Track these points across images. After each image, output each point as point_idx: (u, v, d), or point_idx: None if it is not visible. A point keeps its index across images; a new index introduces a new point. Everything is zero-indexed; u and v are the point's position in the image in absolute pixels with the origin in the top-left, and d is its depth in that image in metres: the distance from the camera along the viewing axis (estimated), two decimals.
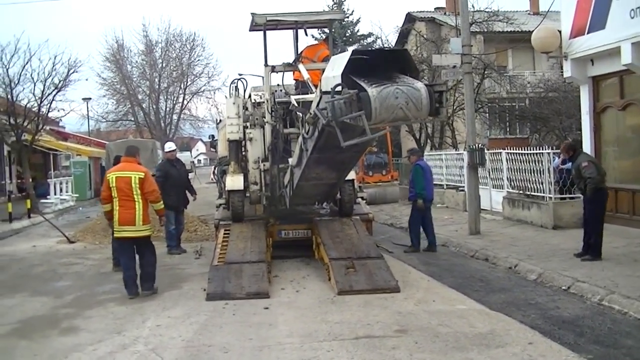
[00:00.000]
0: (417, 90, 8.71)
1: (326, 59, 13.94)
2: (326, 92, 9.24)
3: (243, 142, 13.99)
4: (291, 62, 13.95)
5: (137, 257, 11.02)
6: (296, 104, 12.45)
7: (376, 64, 9.07)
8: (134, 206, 10.64)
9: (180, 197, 15.47)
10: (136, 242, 10.87)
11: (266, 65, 13.51)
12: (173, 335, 8.50)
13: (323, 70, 13.60)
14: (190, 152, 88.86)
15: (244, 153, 14.15)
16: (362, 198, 15.39)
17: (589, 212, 12.48)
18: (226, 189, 14.13)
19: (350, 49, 9.35)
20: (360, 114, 8.40)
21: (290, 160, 12.54)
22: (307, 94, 13.00)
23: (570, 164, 16.94)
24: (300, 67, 13.68)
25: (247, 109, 13.94)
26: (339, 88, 8.82)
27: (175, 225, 15.25)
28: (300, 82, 14.21)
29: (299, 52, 14.40)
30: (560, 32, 16.75)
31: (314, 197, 13.69)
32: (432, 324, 8.59)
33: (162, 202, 11.32)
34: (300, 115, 11.60)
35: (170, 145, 16.60)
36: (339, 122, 8.75)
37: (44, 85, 28.41)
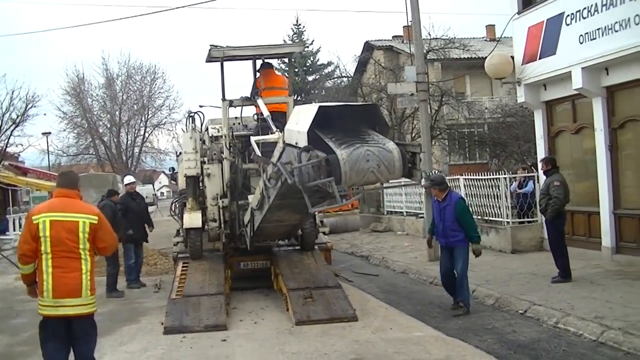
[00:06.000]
0: (389, 152, 7.93)
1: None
2: (290, 145, 8.85)
3: (201, 177, 13.67)
4: (249, 96, 13.65)
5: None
6: (259, 152, 11.71)
7: (343, 115, 8.47)
8: (79, 267, 6.58)
9: (140, 230, 15.31)
10: (74, 322, 6.73)
11: (224, 99, 13.17)
12: None
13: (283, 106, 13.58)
14: (153, 185, 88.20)
15: (202, 189, 13.80)
16: (324, 233, 15.15)
17: (550, 236, 12.84)
18: (184, 226, 13.84)
19: (316, 105, 8.65)
20: (330, 180, 7.62)
21: (250, 197, 12.22)
22: (268, 130, 12.48)
23: (527, 188, 17.28)
24: (259, 101, 13.31)
25: (204, 142, 13.78)
26: (306, 148, 8.10)
27: (134, 258, 15.11)
28: (259, 115, 13.64)
29: (257, 85, 13.98)
30: (513, 58, 17.03)
31: (275, 237, 13.27)
32: (388, 352, 8.61)
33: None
34: (263, 163, 10.94)
35: (129, 179, 16.50)
36: (307, 187, 8.14)
37: (1, 121, 28.37)
